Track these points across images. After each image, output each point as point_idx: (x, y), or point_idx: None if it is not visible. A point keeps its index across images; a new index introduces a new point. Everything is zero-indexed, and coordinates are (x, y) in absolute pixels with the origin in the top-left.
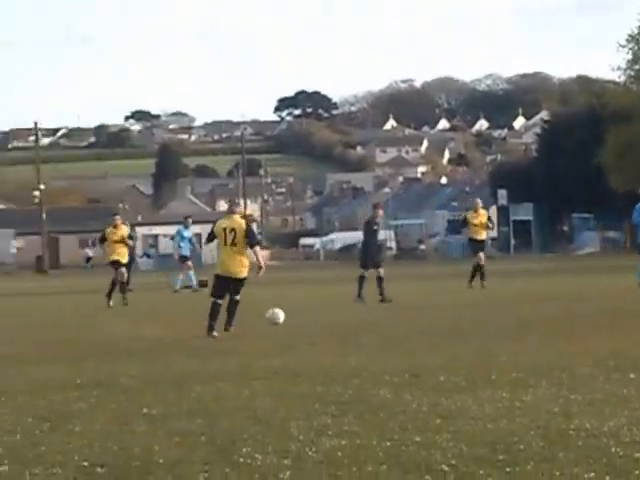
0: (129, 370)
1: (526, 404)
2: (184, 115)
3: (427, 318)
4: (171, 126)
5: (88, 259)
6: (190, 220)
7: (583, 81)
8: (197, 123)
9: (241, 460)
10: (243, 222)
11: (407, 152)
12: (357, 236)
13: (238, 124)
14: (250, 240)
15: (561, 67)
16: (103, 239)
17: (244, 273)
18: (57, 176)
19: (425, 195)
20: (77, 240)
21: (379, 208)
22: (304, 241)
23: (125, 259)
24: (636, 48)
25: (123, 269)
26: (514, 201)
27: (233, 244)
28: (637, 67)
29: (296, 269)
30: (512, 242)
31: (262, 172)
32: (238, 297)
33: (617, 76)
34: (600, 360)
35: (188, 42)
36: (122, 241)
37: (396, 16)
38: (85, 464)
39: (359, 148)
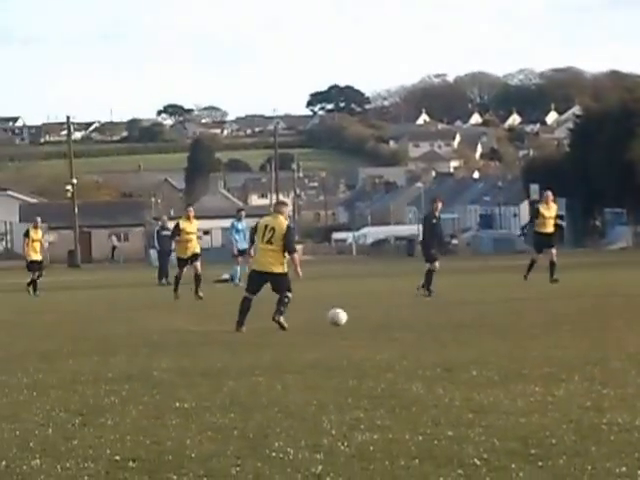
0: (161, 364)
1: (558, 399)
2: (217, 109)
3: (459, 313)
4: (203, 120)
5: (114, 248)
6: (243, 213)
7: (615, 76)
8: (229, 117)
9: (273, 454)
10: (285, 224)
11: (440, 147)
12: (389, 231)
13: (270, 118)
14: (287, 246)
15: (593, 62)
16: (176, 232)
17: (280, 268)
18: (89, 170)
19: (457, 190)
20: (109, 234)
21: (438, 201)
22: (336, 235)
23: (197, 251)
24: None
25: (198, 263)
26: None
27: (269, 242)
28: None
29: (328, 263)
30: None
31: (294, 166)
32: (287, 294)
33: None
34: (632, 355)
35: (221, 36)
36: (193, 235)
37: (428, 10)
38: (117, 458)
39: (392, 142)
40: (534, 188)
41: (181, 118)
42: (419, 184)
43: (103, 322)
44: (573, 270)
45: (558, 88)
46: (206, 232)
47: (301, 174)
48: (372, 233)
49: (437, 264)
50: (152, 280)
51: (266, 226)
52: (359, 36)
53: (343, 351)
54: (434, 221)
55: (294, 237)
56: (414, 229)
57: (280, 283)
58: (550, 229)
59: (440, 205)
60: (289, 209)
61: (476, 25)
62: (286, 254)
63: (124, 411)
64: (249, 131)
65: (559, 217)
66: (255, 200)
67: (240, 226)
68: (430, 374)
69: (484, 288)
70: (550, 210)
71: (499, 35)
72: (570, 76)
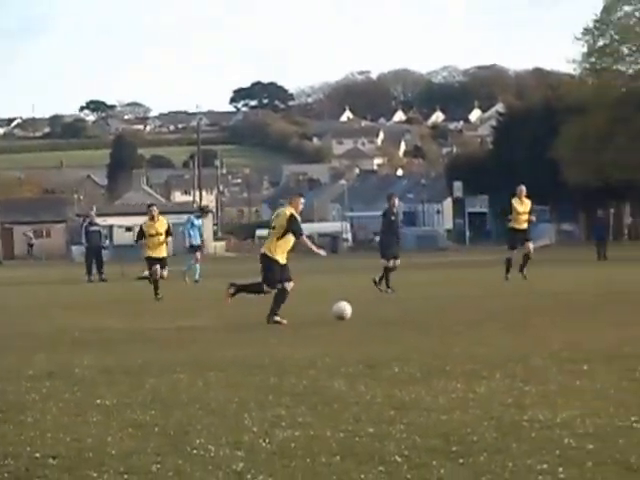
0: (83, 361)
1: (480, 395)
2: (139, 105)
3: (383, 309)
4: (126, 116)
5: (30, 245)
6: (205, 211)
7: (539, 74)
8: (152, 114)
9: (194, 451)
10: (289, 212)
11: (363, 144)
12: (313, 227)
13: (194, 115)
14: (293, 231)
15: (517, 60)
16: (141, 235)
17: (268, 251)
18: (11, 167)
19: (381, 187)
20: (31, 231)
21: (394, 198)
22: (260, 232)
23: (162, 254)
24: (591, 41)
25: (158, 266)
26: (470, 193)
27: (273, 227)
28: (592, 60)
29: (253, 261)
30: (467, 234)
31: (218, 163)
32: (285, 285)
33: (572, 69)
34: (554, 352)
35: (143, 31)
36: (159, 235)
37: (352, 7)
38: (37, 455)
39: (315, 139)
40: (457, 185)
41: (104, 114)
42: (343, 181)
43: (24, 319)
44: (497, 267)
45: (481, 86)
46: (129, 229)
47: (224, 171)
48: None
49: (395, 262)
50: (75, 277)
51: (277, 215)
52: (282, 32)
53: (266, 348)
54: (392, 218)
55: (298, 223)
56: (338, 226)
57: (262, 264)
58: (524, 225)
59: (397, 201)
60: (301, 201)
61: (400, 22)
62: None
63: (45, 408)
64: (172, 127)
65: (531, 213)
66: (178, 197)
67: (197, 222)
68: (352, 371)
69: (408, 285)
70: (524, 205)
71: (423, 32)
72: (493, 74)
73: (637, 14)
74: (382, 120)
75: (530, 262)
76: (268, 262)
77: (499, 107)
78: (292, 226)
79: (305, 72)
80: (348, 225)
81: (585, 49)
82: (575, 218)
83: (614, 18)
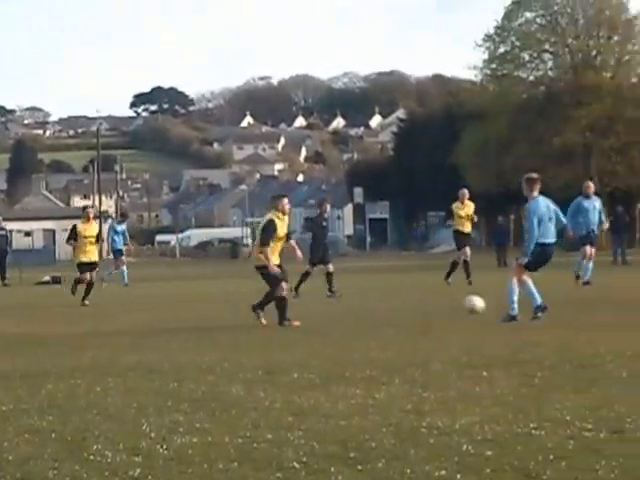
0: None
1: (379, 402)
2: (39, 110)
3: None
4: (26, 121)
5: None
6: (122, 216)
7: (439, 80)
8: (52, 118)
9: (91, 457)
10: (267, 219)
11: (264, 149)
12: (213, 233)
13: (94, 119)
14: (260, 239)
15: (418, 66)
16: (73, 236)
17: (257, 261)
18: None
19: (282, 193)
20: None
21: (325, 203)
22: (160, 238)
23: (94, 258)
24: (492, 47)
25: (88, 274)
26: (370, 199)
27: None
28: (493, 66)
29: (152, 266)
30: (368, 240)
31: (117, 168)
32: (273, 291)
33: (473, 75)
34: (454, 357)
35: (42, 36)
36: (92, 237)
37: (252, 13)
38: None
39: (216, 145)
40: (358, 191)
41: (3, 119)
42: (243, 187)
43: None
44: (398, 272)
45: (382, 92)
46: (27, 233)
47: (124, 175)
48: (196, 235)
49: (331, 266)
50: None
51: (261, 222)
52: (183, 37)
53: (166, 353)
54: (324, 224)
55: (267, 234)
56: (238, 231)
57: (260, 275)
58: (468, 228)
59: (328, 207)
60: (284, 202)
61: (301, 28)
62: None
63: None
64: (72, 132)
65: (476, 214)
66: (77, 202)
67: (119, 228)
68: (251, 377)
69: (309, 290)
70: (466, 208)
71: (324, 38)
72: (394, 80)
73: (538, 20)
74: (283, 126)
75: (452, 266)
76: (263, 270)
77: (400, 113)
78: (260, 234)
79: (206, 77)
80: (249, 230)
81: (486, 55)
82: (475, 224)
83: (515, 24)
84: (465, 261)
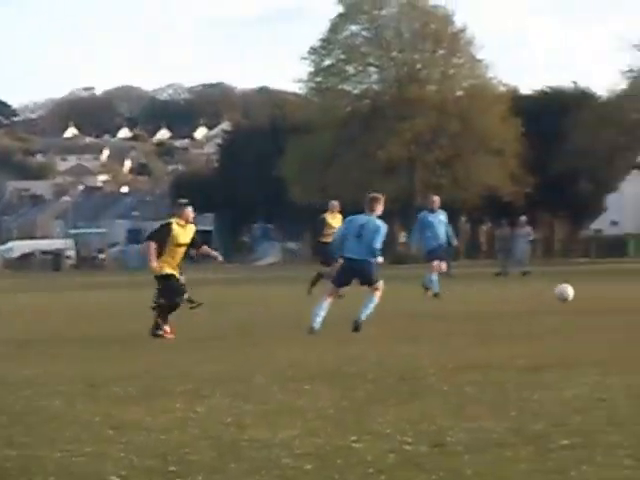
0: None
1: (199, 415)
2: None
3: (104, 328)
4: None
5: None
6: None
7: (265, 93)
8: None
9: None
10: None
11: (88, 160)
12: (35, 244)
13: None
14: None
15: (243, 78)
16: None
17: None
18: None
19: (105, 204)
20: None
21: None
22: None
23: None
24: (318, 60)
25: None
26: (195, 211)
27: None
28: (318, 79)
29: None
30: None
31: None
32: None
33: (298, 88)
34: (278, 370)
35: None
36: None
37: (78, 23)
38: None
39: (39, 156)
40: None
41: None
42: (66, 197)
43: None
44: (224, 285)
45: (207, 104)
46: None
47: None
48: (18, 247)
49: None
50: None
51: None
52: (5, 47)
53: None
54: None
55: (158, 230)
56: (61, 243)
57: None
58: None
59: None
60: (187, 210)
61: (125, 39)
62: None
63: None
64: None
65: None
66: None
67: None
68: (72, 390)
69: (132, 303)
70: (336, 220)
71: (148, 49)
72: (220, 92)
73: (364, 33)
74: (107, 137)
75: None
76: (161, 280)
77: (225, 125)
78: (151, 231)
79: (29, 88)
80: (72, 242)
81: (311, 68)
82: (300, 237)
83: (340, 37)
84: (320, 273)
